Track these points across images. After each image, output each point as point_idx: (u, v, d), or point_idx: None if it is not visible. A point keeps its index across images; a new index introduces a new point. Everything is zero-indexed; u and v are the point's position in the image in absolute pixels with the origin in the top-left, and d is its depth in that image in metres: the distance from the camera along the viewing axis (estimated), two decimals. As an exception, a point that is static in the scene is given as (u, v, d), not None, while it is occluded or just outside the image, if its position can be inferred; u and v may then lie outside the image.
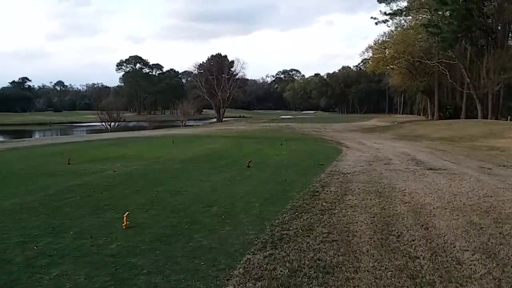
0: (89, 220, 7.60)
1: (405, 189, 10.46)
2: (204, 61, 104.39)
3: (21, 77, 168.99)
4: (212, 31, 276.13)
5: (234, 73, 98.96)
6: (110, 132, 54.11)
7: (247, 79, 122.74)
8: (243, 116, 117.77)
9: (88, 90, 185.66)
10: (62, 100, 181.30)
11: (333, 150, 21.29)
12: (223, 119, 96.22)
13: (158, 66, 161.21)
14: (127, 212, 7.36)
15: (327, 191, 10.20)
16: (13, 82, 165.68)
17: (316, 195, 9.72)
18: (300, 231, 6.89)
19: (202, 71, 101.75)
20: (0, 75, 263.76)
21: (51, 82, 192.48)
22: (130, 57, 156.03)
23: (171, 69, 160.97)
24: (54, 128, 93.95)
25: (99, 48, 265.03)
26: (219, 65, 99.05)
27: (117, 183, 11.41)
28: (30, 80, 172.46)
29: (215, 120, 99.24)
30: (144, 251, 6.01)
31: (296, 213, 8.02)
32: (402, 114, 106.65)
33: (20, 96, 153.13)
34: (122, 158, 17.22)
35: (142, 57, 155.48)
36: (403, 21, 69.35)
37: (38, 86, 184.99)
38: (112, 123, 55.99)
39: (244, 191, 10.23)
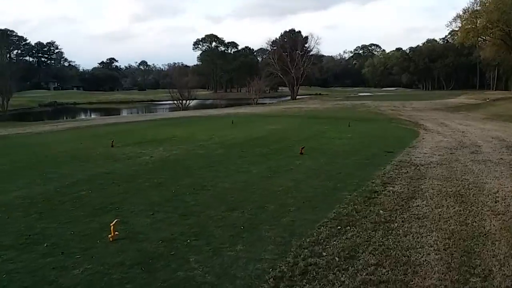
0: (78, 226, 6.20)
1: (497, 192, 7.85)
2: (278, 37, 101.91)
3: (108, 57, 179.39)
4: (289, 7, 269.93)
5: (308, 49, 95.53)
6: (182, 110, 54.45)
7: (322, 55, 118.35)
8: (319, 94, 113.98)
9: (170, 70, 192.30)
10: (146, 79, 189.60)
11: (408, 133, 18.41)
12: (297, 97, 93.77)
13: (233, 44, 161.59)
14: (116, 220, 5.82)
15: (389, 191, 7.94)
16: (102, 62, 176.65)
17: (373, 197, 7.53)
18: (336, 258, 4.87)
19: (275, 47, 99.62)
20: (91, 57, 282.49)
21: (136, 62, 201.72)
22: (206, 35, 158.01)
23: (246, 47, 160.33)
24: (136, 106, 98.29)
25: (180, 28, 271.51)
26: (292, 41, 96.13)
27: (144, 172, 10.06)
28: (116, 61, 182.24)
29: (289, 98, 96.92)
30: (111, 284, 4.39)
31: (339, 227, 5.96)
32: (495, 90, 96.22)
33: (108, 76, 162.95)
34: (169, 141, 16.03)
35: (218, 36, 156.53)
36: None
37: (125, 66, 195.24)
38: (184, 101, 56.20)
39: (283, 188, 8.31)
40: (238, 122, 24.36)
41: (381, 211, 6.67)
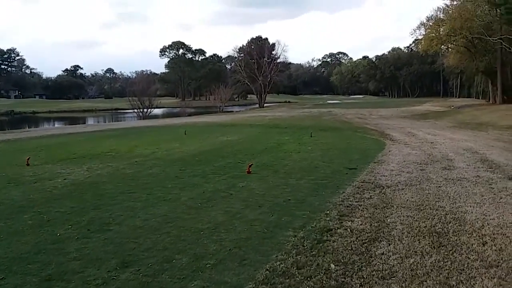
0: None
1: (482, 227, 6.13)
2: (244, 44, 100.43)
3: (73, 65, 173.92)
4: (259, 16, 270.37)
5: (275, 56, 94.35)
6: (142, 119, 51.80)
7: (290, 63, 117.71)
8: (288, 102, 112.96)
9: (137, 77, 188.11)
10: (113, 87, 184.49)
11: (374, 144, 16.83)
12: (265, 105, 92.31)
13: (201, 52, 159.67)
14: None
15: (347, 228, 6.08)
16: (66, 70, 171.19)
17: (325, 239, 5.64)
18: None
19: (242, 54, 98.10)
20: (57, 65, 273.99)
21: (102, 70, 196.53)
22: (173, 42, 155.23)
23: (214, 54, 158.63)
24: (99, 115, 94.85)
25: (149, 36, 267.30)
26: (259, 48, 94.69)
27: (41, 202, 7.85)
28: (81, 68, 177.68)
29: (257, 105, 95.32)
30: None
31: (268, 300, 4.02)
32: (458, 97, 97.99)
33: (72, 83, 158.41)
34: (102, 157, 13.78)
35: (185, 43, 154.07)
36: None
37: (91, 74, 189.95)
38: (145, 110, 53.46)
39: (210, 226, 6.33)
40: (192, 133, 22.27)
41: (332, 266, 4.77)
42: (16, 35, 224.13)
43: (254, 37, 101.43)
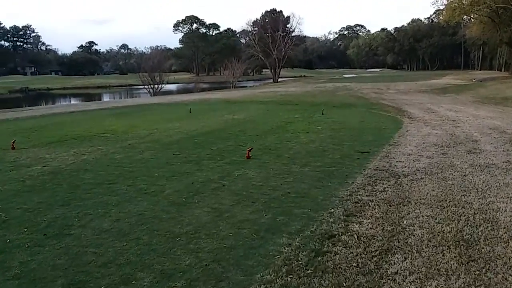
0: None
1: (522, 232, 4.98)
2: (258, 17, 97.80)
3: (87, 41, 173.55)
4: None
5: (290, 29, 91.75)
6: (153, 96, 50.88)
7: (305, 36, 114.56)
8: (304, 76, 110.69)
9: (152, 53, 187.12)
10: (128, 63, 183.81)
11: (390, 123, 15.53)
12: (279, 79, 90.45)
13: (215, 26, 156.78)
14: None
15: (353, 234, 4.99)
16: (81, 46, 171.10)
17: (325, 251, 4.57)
18: None
19: (256, 28, 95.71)
20: (72, 41, 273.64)
21: (117, 46, 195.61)
22: (187, 17, 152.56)
23: (228, 29, 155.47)
24: (114, 91, 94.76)
25: (163, 11, 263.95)
26: (273, 21, 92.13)
27: (4, 197, 6.93)
28: (96, 44, 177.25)
29: (271, 80, 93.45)
30: None
31: None
32: (480, 70, 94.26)
33: (87, 60, 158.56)
34: (96, 138, 12.87)
35: (199, 17, 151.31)
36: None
37: (106, 50, 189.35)
38: (156, 86, 52.39)
39: (191, 228, 5.31)
40: (198, 111, 21.20)
41: (330, 293, 3.72)
42: (32, 12, 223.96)
43: (269, 10, 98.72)
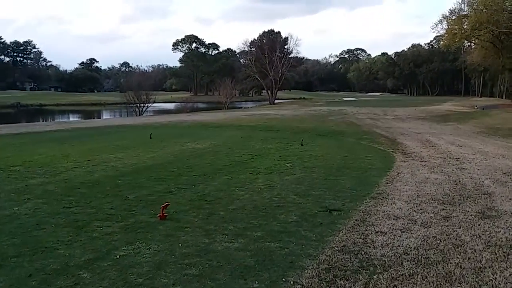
0: None
1: None
2: (256, 38, 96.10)
3: (88, 58, 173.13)
4: (279, 11, 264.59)
5: (288, 50, 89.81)
6: (138, 115, 48.20)
7: (303, 58, 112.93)
8: (303, 98, 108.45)
9: (154, 71, 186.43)
10: (128, 81, 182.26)
11: (379, 160, 12.62)
12: (276, 101, 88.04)
13: (214, 46, 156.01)
14: None
15: None
16: (82, 63, 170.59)
17: None
18: None
19: (253, 48, 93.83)
20: (76, 58, 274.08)
21: (119, 63, 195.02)
22: (186, 36, 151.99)
23: (228, 49, 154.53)
24: (110, 108, 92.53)
25: (168, 30, 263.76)
26: (271, 42, 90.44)
27: None
28: (97, 61, 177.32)
29: (267, 102, 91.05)
30: None
31: None
32: (481, 97, 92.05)
33: (87, 76, 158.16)
34: (-5, 174, 9.95)
35: (198, 36, 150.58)
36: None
37: (108, 67, 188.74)
38: (142, 105, 49.62)
39: None
40: (161, 136, 18.35)
41: None
42: (37, 28, 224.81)
43: (266, 30, 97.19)
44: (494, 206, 7.37)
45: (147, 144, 15.98)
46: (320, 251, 5.27)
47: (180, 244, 5.47)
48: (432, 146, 15.89)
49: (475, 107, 52.01)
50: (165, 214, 6.51)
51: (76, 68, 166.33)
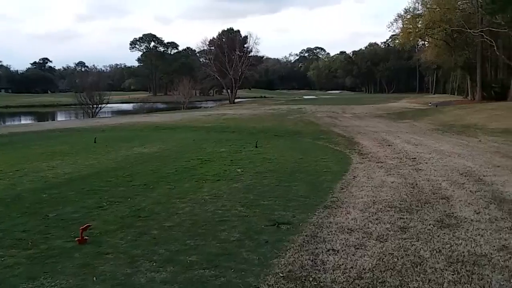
0: None
1: None
2: (215, 36, 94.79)
3: (41, 57, 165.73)
4: (239, 10, 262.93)
5: (247, 49, 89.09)
6: (91, 117, 46.05)
7: (263, 57, 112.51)
8: (264, 97, 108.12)
9: (112, 71, 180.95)
10: (84, 81, 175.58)
11: (335, 162, 12.06)
12: (236, 100, 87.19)
13: (173, 45, 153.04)
14: None
15: None
16: (34, 63, 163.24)
17: None
18: None
19: (212, 47, 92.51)
20: (29, 58, 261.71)
21: (74, 63, 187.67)
22: (144, 35, 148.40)
23: (188, 48, 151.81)
24: (63, 109, 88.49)
25: (126, 29, 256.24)
26: (230, 41, 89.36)
27: None
28: (51, 61, 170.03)
29: (227, 101, 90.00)
30: None
31: None
32: (434, 94, 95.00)
33: (39, 77, 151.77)
34: None
35: (157, 35, 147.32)
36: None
37: (63, 67, 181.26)
38: (95, 106, 47.36)
39: None
40: (107, 139, 17.16)
41: None
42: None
43: (226, 29, 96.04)
44: (453, 213, 6.87)
45: (90, 149, 14.76)
46: (262, 279, 4.50)
47: (94, 278, 4.54)
48: (389, 145, 15.57)
49: (429, 104, 53.23)
50: (85, 237, 5.55)
51: (28, 68, 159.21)
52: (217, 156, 13.05)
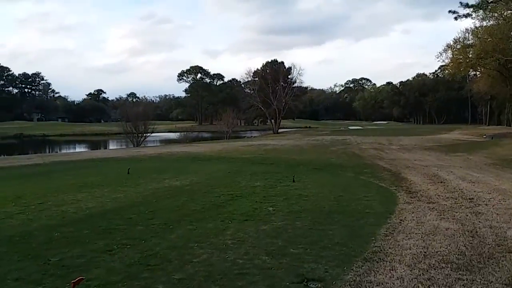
0: None
1: None
2: (259, 67, 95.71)
3: (96, 89, 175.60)
4: (285, 43, 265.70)
5: (291, 80, 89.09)
6: (136, 146, 46.80)
7: (307, 87, 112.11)
8: (309, 127, 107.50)
9: (161, 101, 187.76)
10: (128, 111, 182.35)
11: (379, 201, 10.80)
12: (280, 130, 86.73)
13: (219, 76, 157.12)
14: None
15: None
16: (89, 94, 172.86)
17: None
18: None
19: (256, 78, 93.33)
20: (86, 89, 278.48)
21: (126, 94, 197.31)
22: (191, 67, 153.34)
23: (233, 79, 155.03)
24: (114, 138, 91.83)
25: (175, 62, 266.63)
26: (274, 72, 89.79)
27: None
28: (104, 92, 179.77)
29: (271, 131, 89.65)
30: None
31: None
32: (488, 125, 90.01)
33: (94, 107, 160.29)
34: None
35: (203, 67, 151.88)
36: (489, 15, 54.46)
37: (115, 98, 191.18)
38: (140, 135, 48.24)
39: None
40: (141, 171, 16.75)
41: None
42: (46, 60, 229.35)
43: (270, 60, 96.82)
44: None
45: (121, 181, 14.32)
46: None
47: None
48: (441, 182, 14.04)
49: (484, 136, 50.03)
50: (77, 292, 4.75)
51: (84, 99, 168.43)
52: (250, 192, 12.13)
